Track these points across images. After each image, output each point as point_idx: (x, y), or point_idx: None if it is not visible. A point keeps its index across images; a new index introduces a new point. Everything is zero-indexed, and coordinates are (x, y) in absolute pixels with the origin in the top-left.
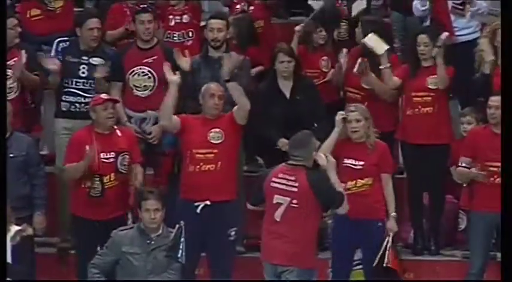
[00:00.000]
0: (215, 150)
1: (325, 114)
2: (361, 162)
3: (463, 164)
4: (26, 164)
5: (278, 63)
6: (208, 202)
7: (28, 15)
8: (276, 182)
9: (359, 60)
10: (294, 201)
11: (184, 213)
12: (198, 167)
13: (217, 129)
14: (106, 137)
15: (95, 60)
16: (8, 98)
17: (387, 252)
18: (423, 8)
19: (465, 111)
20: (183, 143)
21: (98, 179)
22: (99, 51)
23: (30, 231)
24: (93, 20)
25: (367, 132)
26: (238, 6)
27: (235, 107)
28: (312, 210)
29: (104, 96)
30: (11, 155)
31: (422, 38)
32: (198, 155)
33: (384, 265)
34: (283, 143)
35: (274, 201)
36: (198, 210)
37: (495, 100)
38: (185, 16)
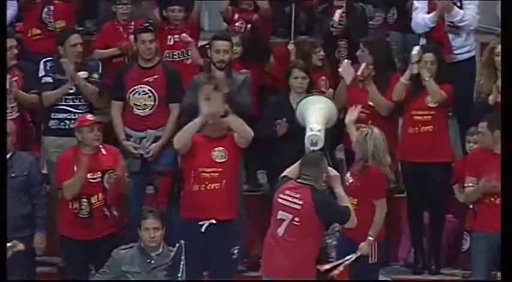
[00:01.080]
0: (220, 169)
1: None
2: (351, 180)
3: (470, 184)
4: (28, 183)
5: (292, 79)
6: (213, 221)
7: (29, 34)
8: (282, 198)
9: (363, 64)
10: (296, 218)
11: (187, 232)
12: (204, 186)
13: (221, 148)
14: (91, 157)
15: (82, 74)
16: (10, 118)
17: (342, 265)
18: (432, 25)
19: (472, 130)
20: (186, 162)
21: (85, 200)
22: (85, 66)
23: (21, 246)
24: (74, 36)
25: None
26: (237, 24)
27: (236, 134)
28: (314, 229)
29: (89, 117)
30: (13, 175)
31: (429, 56)
32: (203, 174)
33: (332, 275)
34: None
35: (278, 217)
36: (203, 229)
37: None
38: (183, 35)
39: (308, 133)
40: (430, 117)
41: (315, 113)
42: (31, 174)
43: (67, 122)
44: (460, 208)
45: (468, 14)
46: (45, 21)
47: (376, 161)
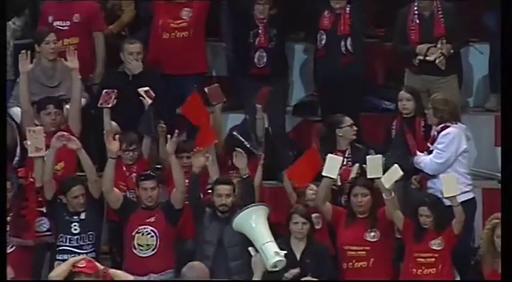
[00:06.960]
0: None
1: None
2: None
3: None
4: None
5: (292, 224)
6: None
7: (32, 179)
8: None
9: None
10: None
11: None
12: None
13: None
14: None
15: (84, 215)
16: (8, 251)
17: None
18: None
19: None
20: None
21: None
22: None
23: None
24: (76, 187)
25: None
26: (231, 171)
27: None
28: None
29: (81, 264)
30: None
31: (424, 210)
32: None
33: None
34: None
35: None
36: None
37: None
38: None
39: (275, 258)
40: (433, 259)
41: (264, 229)
42: None
43: None
44: None
45: (424, 158)
46: None
47: None
